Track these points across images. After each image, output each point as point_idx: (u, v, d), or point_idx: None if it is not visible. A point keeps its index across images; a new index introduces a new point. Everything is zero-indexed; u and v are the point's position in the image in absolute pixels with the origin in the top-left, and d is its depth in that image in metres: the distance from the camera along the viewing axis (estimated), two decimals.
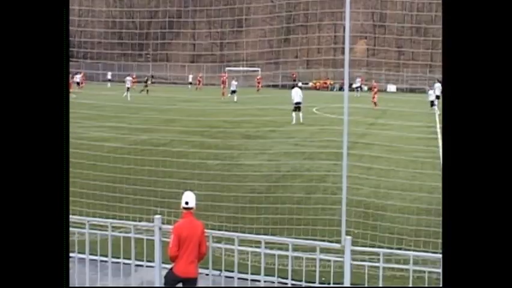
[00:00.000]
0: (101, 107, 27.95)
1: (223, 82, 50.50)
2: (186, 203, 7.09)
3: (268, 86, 57.15)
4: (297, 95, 29.60)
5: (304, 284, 7.69)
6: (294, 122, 28.71)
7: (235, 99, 44.86)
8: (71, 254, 8.31)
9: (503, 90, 4.52)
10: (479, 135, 4.58)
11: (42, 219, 4.64)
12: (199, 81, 60.73)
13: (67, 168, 5.02)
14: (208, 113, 33.89)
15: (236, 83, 48.64)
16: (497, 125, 4.53)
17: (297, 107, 29.37)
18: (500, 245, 4.41)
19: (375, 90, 40.53)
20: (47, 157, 4.75)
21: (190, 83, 62.84)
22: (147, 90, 48.76)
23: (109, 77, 49.76)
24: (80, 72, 46.43)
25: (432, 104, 37.25)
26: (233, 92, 47.02)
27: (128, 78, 47.23)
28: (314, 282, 7.55)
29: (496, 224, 4.45)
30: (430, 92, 38.60)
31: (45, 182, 4.69)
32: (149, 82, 51.33)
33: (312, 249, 7.77)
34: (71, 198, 11.61)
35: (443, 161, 4.81)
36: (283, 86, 49.76)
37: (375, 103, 38.78)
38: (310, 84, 57.35)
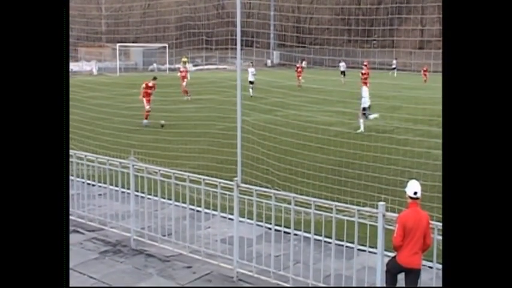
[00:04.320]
0: (327, 92, 28.47)
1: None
2: (415, 193, 6.94)
3: None
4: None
5: None
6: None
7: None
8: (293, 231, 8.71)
9: (502, 86, 4.54)
10: (478, 130, 4.60)
11: (41, 214, 4.54)
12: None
13: (67, 167, 5.06)
14: (437, 102, 32.65)
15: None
16: (496, 119, 4.53)
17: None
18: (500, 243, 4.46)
19: None
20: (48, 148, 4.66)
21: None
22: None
23: (342, 68, 50.12)
24: (303, 59, 47.78)
25: None
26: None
27: (342, 63, 49.13)
28: None
29: (495, 222, 4.51)
30: None
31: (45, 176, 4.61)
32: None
33: None
34: (298, 179, 12.19)
35: (443, 154, 4.87)
36: None
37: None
38: None
